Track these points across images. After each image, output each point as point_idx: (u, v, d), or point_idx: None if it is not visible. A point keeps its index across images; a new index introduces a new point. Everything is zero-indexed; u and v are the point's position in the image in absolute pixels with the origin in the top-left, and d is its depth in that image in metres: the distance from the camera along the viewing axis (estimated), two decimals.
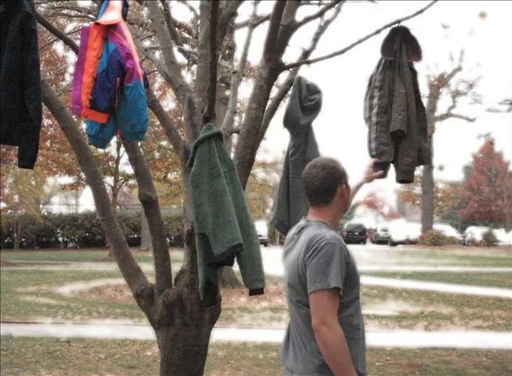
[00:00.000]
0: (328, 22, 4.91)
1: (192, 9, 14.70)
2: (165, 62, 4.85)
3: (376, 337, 9.62)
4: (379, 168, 4.02)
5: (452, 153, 76.51)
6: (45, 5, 11.26)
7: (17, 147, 3.39)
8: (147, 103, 4.33)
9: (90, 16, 10.67)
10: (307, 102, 4.36)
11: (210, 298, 3.66)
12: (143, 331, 9.86)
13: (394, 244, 45.86)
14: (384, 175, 4.08)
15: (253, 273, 3.63)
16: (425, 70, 41.72)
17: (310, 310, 2.78)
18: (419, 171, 46.12)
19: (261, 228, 43.89)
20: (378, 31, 4.13)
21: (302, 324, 2.89)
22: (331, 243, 2.77)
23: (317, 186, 2.95)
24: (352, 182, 3.62)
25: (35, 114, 3.30)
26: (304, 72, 4.71)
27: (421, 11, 4.16)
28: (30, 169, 3.61)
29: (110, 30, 3.41)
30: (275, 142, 48.11)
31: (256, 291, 3.67)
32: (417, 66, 4.22)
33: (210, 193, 3.54)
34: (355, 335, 2.86)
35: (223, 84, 11.38)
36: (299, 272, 2.85)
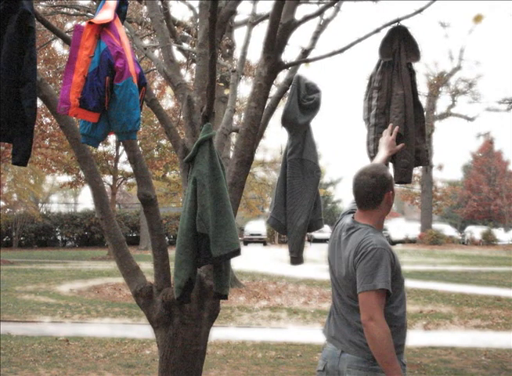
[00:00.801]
0: (327, 21, 4.90)
1: (191, 7, 14.70)
2: (164, 60, 4.84)
3: None
4: None
5: (451, 153, 76.67)
6: (44, 3, 11.25)
7: None
8: (146, 101, 4.33)
9: (89, 14, 10.66)
10: (305, 101, 4.34)
11: (187, 295, 3.71)
12: (142, 330, 9.88)
13: (393, 243, 45.80)
14: None
15: (225, 280, 3.76)
16: (424, 69, 41.72)
17: (357, 304, 3.09)
18: (418, 170, 46.21)
19: (261, 227, 43.89)
20: (378, 30, 4.12)
21: (347, 309, 3.21)
22: (378, 248, 3.06)
23: (366, 193, 3.21)
24: (377, 158, 3.85)
25: (30, 111, 3.30)
26: (303, 71, 4.71)
27: (420, 10, 4.16)
28: (23, 166, 3.60)
29: (104, 29, 3.40)
30: (275, 141, 48.12)
31: (225, 296, 3.82)
32: (416, 65, 4.21)
33: (215, 194, 3.58)
34: (396, 323, 3.14)
35: (221, 84, 11.38)
36: (349, 271, 3.13)
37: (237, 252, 3.60)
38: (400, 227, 49.13)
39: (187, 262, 3.59)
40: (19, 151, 3.38)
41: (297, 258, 4.38)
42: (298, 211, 4.27)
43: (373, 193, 3.19)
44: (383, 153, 3.87)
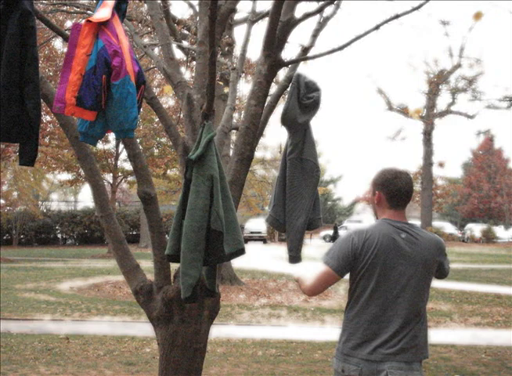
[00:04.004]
0: (327, 18, 4.89)
1: (191, 5, 14.68)
2: (164, 58, 4.84)
3: None
4: None
5: (451, 150, 76.55)
6: (44, 1, 11.23)
7: (16, 144, 3.39)
8: (146, 99, 4.33)
9: (89, 12, 10.65)
10: (305, 100, 4.31)
11: (197, 295, 3.70)
12: (142, 328, 9.88)
13: None
14: None
15: (216, 277, 3.90)
16: (424, 67, 41.71)
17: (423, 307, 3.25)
18: (417, 168, 46.22)
19: (261, 225, 43.91)
20: (377, 27, 4.12)
21: (423, 304, 3.27)
22: None
23: (412, 190, 3.34)
24: None
25: (34, 112, 3.29)
26: (303, 69, 4.70)
27: (418, 7, 4.16)
28: (31, 166, 3.59)
29: (102, 27, 3.40)
30: (275, 138, 48.07)
31: (215, 293, 3.96)
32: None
33: (223, 192, 3.62)
34: None
35: (221, 82, 11.37)
36: (432, 265, 3.28)
37: (243, 251, 3.62)
38: None
39: (198, 260, 3.56)
40: (25, 152, 3.38)
41: (295, 257, 4.38)
42: (298, 210, 4.27)
43: (412, 189, 3.33)
44: None
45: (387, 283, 3.13)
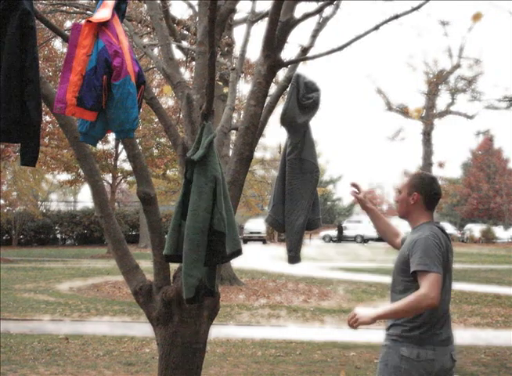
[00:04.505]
0: (327, 19, 4.89)
1: (190, 5, 14.70)
2: (163, 58, 4.84)
3: (375, 334, 9.62)
4: None
5: (451, 150, 76.62)
6: (44, 1, 11.24)
7: (15, 144, 3.40)
8: (145, 99, 4.32)
9: (88, 12, 10.65)
10: (305, 100, 4.31)
11: (199, 296, 3.69)
12: (142, 328, 9.88)
13: None
14: None
15: (216, 277, 3.84)
16: (424, 67, 41.69)
17: None
18: (417, 168, 46.21)
19: (260, 225, 43.91)
20: (377, 27, 4.12)
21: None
22: None
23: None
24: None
25: (35, 112, 3.29)
26: (303, 69, 4.70)
27: (418, 7, 4.17)
28: (32, 166, 3.59)
29: (102, 27, 3.40)
30: (274, 139, 48.09)
31: (215, 293, 3.88)
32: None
33: (224, 193, 3.63)
34: None
35: (221, 83, 11.37)
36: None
37: (240, 251, 3.64)
38: (400, 225, 49.07)
39: (200, 261, 3.56)
40: (27, 152, 3.38)
41: (294, 257, 4.38)
42: (297, 211, 4.27)
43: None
44: (372, 208, 4.22)
45: (448, 279, 3.48)
